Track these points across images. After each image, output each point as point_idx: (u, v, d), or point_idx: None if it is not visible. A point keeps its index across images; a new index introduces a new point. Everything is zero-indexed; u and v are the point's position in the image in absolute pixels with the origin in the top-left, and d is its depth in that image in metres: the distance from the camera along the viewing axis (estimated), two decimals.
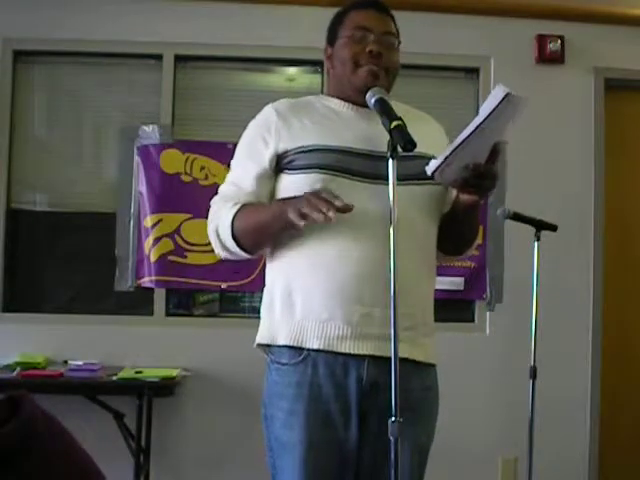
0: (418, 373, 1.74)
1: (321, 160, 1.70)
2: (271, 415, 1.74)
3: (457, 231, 1.83)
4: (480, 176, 1.60)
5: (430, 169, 1.59)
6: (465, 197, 1.70)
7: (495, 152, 1.61)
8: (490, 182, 1.63)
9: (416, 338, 1.72)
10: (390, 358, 1.53)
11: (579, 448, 3.69)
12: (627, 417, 3.84)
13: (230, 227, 1.73)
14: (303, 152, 1.72)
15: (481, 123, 1.52)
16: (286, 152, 1.74)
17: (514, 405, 3.43)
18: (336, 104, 1.84)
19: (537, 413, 3.07)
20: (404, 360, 1.63)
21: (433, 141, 1.76)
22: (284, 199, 1.69)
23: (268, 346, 1.76)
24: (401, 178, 1.60)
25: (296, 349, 1.69)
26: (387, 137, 1.55)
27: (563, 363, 3.64)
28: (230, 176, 1.85)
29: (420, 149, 1.54)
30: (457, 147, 1.54)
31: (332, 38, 1.88)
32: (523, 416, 3.09)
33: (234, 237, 1.73)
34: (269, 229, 1.70)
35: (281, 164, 1.76)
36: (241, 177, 1.80)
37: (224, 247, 1.78)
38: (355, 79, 1.78)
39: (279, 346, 1.72)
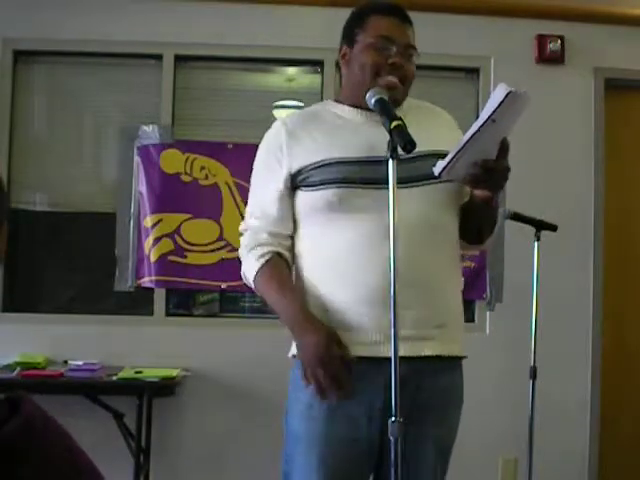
0: (445, 370, 1.76)
1: (334, 174, 1.71)
2: (291, 408, 1.76)
3: (476, 222, 1.84)
4: (490, 171, 1.61)
5: (437, 170, 1.60)
6: (479, 193, 1.70)
7: (503, 148, 1.61)
8: (501, 176, 1.64)
9: (445, 334, 1.74)
10: (422, 357, 1.64)
11: (579, 448, 3.69)
12: (627, 417, 3.84)
13: (253, 281, 1.80)
14: (316, 168, 1.73)
15: (484, 123, 1.52)
16: (299, 170, 1.76)
17: (514, 405, 3.43)
18: (344, 111, 1.83)
19: (537, 413, 3.07)
20: (433, 358, 1.69)
21: (444, 136, 1.76)
22: (302, 315, 1.70)
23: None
24: (417, 179, 1.64)
25: None
26: None
27: (563, 363, 3.64)
28: (253, 200, 1.88)
29: (432, 147, 1.56)
30: (461, 149, 1.55)
31: (350, 39, 1.83)
32: (523, 416, 3.09)
33: (255, 289, 1.81)
34: (278, 313, 1.75)
35: (296, 182, 1.77)
36: (263, 202, 1.82)
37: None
38: (373, 87, 1.75)
39: None
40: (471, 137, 1.54)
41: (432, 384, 1.70)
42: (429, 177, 1.70)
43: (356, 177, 1.70)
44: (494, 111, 1.51)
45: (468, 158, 1.58)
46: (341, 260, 1.71)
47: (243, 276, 1.83)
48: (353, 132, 1.78)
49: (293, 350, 1.80)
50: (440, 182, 1.72)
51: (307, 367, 1.62)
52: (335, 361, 1.59)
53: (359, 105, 1.80)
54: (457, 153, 1.56)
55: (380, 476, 1.75)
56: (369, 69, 1.76)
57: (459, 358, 1.83)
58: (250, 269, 1.78)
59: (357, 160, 1.72)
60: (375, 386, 1.67)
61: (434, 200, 1.74)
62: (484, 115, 1.53)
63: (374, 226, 1.66)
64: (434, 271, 1.69)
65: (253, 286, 1.80)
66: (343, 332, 1.67)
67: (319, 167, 1.73)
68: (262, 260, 1.76)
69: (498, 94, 1.50)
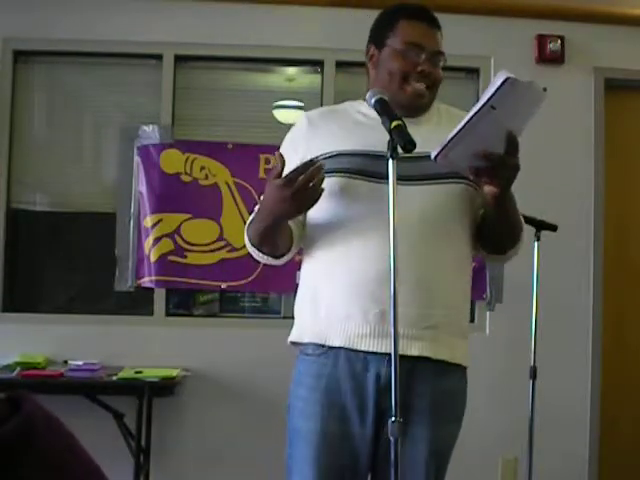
0: (440, 374, 1.74)
1: (339, 164, 1.73)
2: (292, 404, 1.79)
3: (493, 230, 1.81)
4: (494, 165, 1.57)
5: (433, 154, 1.58)
6: (486, 189, 1.66)
7: (511, 143, 1.57)
8: (505, 171, 1.60)
9: (437, 337, 1.72)
10: (409, 356, 1.61)
11: (579, 448, 3.69)
12: (627, 417, 3.84)
13: (248, 239, 1.84)
14: (326, 158, 1.75)
15: (480, 109, 1.50)
16: (312, 159, 1.76)
17: (514, 405, 3.43)
18: (369, 109, 1.82)
19: (537, 413, 3.07)
20: (425, 359, 1.68)
21: None
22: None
23: (297, 343, 1.82)
24: (423, 178, 1.64)
25: (320, 345, 1.74)
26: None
27: (563, 363, 3.64)
28: None
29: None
30: (457, 133, 1.53)
31: (379, 41, 1.84)
32: (523, 416, 3.09)
33: (251, 243, 1.83)
34: (267, 227, 1.74)
35: None
36: None
37: (258, 256, 1.86)
38: (400, 95, 1.77)
39: (306, 343, 1.77)
40: (468, 122, 1.52)
41: (425, 387, 1.69)
42: (434, 177, 1.71)
43: (362, 169, 1.71)
44: (491, 97, 1.48)
45: (468, 147, 1.54)
46: (337, 250, 1.73)
47: (249, 248, 1.86)
48: (372, 129, 1.76)
49: (292, 337, 1.83)
50: (446, 183, 1.73)
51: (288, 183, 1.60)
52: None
53: None
54: (453, 137, 1.54)
55: (377, 475, 1.76)
56: (397, 76, 1.78)
57: (456, 365, 1.79)
58: (245, 230, 1.84)
59: (367, 153, 1.73)
60: (365, 380, 1.69)
61: (437, 200, 1.73)
62: (481, 100, 1.51)
63: (372, 219, 1.67)
64: (429, 271, 1.68)
65: (247, 240, 1.83)
66: (333, 321, 1.71)
67: (330, 157, 1.75)
68: (249, 221, 1.83)
69: (496, 80, 1.49)
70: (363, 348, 1.69)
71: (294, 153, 1.82)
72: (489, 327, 3.71)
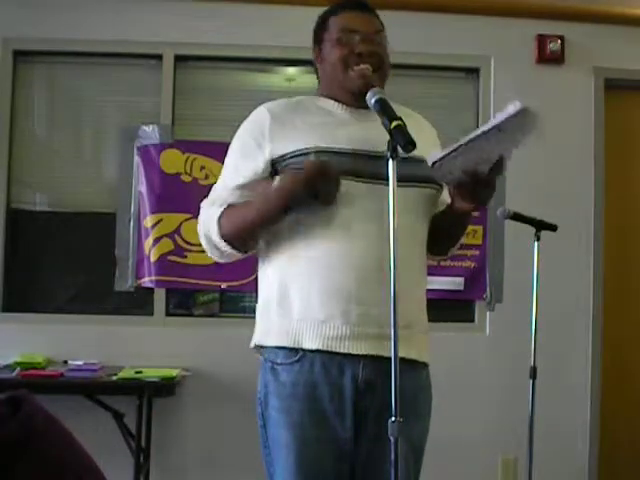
0: (411, 372, 1.73)
1: None
2: (266, 414, 1.75)
3: (446, 234, 1.86)
4: (477, 184, 1.60)
5: (431, 159, 1.58)
6: (459, 205, 1.69)
7: (499, 165, 1.60)
8: (485, 192, 1.64)
9: (411, 336, 1.72)
10: (386, 357, 1.56)
11: (579, 448, 3.70)
12: (627, 417, 3.84)
13: (217, 226, 1.75)
14: (299, 155, 1.72)
15: (490, 130, 1.51)
16: (282, 156, 1.74)
17: (514, 405, 3.43)
18: (330, 105, 1.84)
19: (537, 413, 3.07)
20: (400, 359, 1.65)
21: (425, 142, 1.73)
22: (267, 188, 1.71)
23: (263, 347, 1.78)
24: (399, 179, 1.60)
25: (292, 349, 1.70)
26: (383, 137, 1.54)
27: (563, 363, 3.64)
28: (222, 177, 1.86)
29: (415, 152, 1.54)
30: (461, 145, 1.53)
31: (318, 40, 1.88)
32: (523, 416, 3.09)
33: (223, 235, 1.75)
34: (262, 217, 1.70)
35: (276, 167, 1.76)
36: (233, 179, 1.81)
37: (215, 248, 1.80)
38: (346, 81, 1.78)
39: (275, 347, 1.73)
40: (473, 139, 1.52)
41: (401, 385, 1.60)
42: (408, 179, 1.70)
43: (339, 167, 1.67)
44: (503, 121, 1.50)
45: (463, 161, 1.56)
46: (314, 249, 1.69)
47: (203, 237, 1.80)
48: (337, 124, 1.78)
49: (256, 339, 1.80)
50: (418, 186, 1.74)
51: (306, 178, 1.62)
52: (331, 171, 1.62)
53: (339, 100, 1.83)
54: (457, 148, 1.54)
55: (358, 475, 1.73)
56: (338, 64, 1.79)
57: (422, 364, 1.80)
58: (212, 216, 1.76)
59: (341, 150, 1.71)
60: (342, 383, 1.68)
61: (409, 203, 1.72)
62: (492, 121, 1.51)
63: (351, 220, 1.67)
64: (402, 272, 1.61)
65: (217, 232, 1.75)
66: (308, 323, 1.68)
67: (301, 155, 1.71)
68: (223, 206, 1.76)
69: (513, 107, 1.49)
70: (342, 350, 1.67)
71: (258, 150, 1.77)
72: (489, 327, 3.71)
